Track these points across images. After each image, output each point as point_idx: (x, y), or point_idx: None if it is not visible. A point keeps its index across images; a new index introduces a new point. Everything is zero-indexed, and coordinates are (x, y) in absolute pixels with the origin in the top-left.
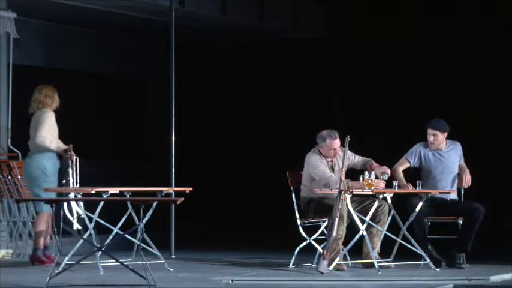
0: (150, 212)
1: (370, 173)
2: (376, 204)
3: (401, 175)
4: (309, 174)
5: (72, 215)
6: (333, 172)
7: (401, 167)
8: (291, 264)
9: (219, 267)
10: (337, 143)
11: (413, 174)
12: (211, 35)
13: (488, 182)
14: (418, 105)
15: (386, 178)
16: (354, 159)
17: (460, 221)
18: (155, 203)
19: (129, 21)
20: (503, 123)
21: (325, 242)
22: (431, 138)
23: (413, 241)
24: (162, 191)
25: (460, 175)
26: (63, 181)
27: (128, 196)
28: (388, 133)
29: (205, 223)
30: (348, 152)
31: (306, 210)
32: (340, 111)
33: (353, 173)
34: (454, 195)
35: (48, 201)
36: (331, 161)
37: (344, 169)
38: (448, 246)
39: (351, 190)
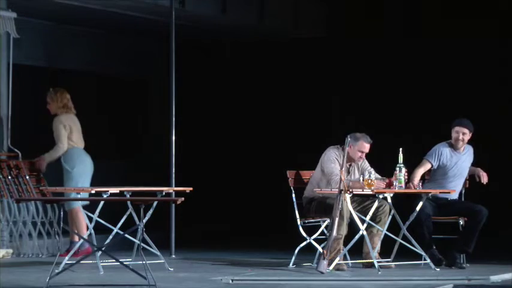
0: (150, 212)
1: (370, 173)
2: (376, 204)
3: (418, 177)
4: (321, 166)
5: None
6: (347, 176)
7: (422, 168)
8: (291, 264)
9: (219, 267)
10: (368, 147)
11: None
12: (211, 35)
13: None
14: (418, 106)
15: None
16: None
17: (461, 221)
18: (155, 203)
19: (129, 21)
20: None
21: (325, 242)
22: (460, 137)
23: (413, 241)
24: (162, 191)
25: (470, 176)
26: None
27: (128, 196)
28: (388, 133)
29: (205, 223)
30: (367, 163)
31: (308, 209)
32: (339, 111)
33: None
34: (454, 195)
35: (47, 201)
36: (350, 165)
37: (344, 168)
38: (448, 246)
39: (351, 190)
